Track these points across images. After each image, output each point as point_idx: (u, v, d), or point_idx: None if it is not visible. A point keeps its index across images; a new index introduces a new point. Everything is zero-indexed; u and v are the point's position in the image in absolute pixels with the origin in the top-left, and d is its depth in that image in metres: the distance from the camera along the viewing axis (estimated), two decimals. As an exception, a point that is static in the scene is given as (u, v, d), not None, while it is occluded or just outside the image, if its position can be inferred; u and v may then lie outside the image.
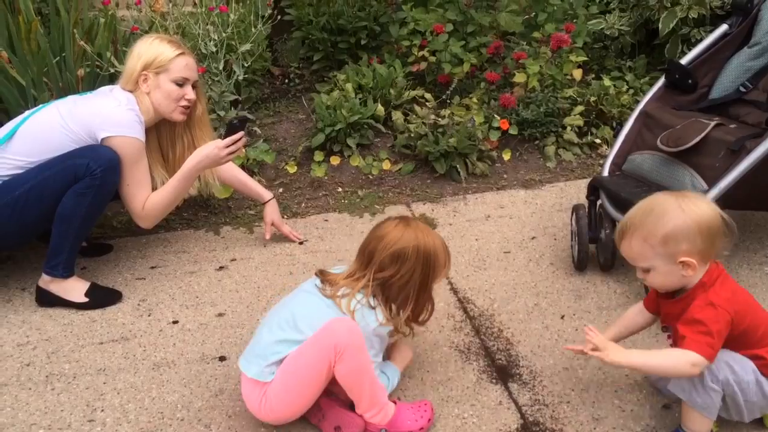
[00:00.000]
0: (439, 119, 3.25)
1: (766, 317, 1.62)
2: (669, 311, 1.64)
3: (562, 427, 1.76)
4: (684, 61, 2.50)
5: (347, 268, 1.83)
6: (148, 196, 2.33)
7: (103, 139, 2.23)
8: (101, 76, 2.87)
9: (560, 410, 1.81)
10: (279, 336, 1.71)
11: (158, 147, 2.53)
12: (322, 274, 1.82)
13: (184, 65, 2.35)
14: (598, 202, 2.40)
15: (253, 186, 2.72)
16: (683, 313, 1.56)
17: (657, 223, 1.52)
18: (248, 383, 1.73)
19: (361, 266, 1.77)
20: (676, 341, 1.57)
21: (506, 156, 3.33)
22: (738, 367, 1.55)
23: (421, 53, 3.65)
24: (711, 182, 2.09)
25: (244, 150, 3.12)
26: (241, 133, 2.32)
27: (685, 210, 1.51)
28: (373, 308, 1.73)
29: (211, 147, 2.31)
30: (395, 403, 1.76)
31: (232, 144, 2.30)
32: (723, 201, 2.11)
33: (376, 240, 1.76)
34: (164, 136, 2.54)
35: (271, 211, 2.69)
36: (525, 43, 3.68)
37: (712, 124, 2.18)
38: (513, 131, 3.34)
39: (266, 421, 1.75)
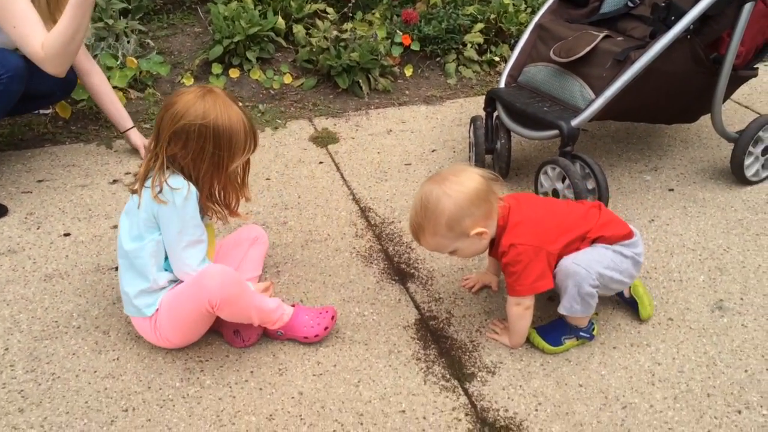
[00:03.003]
0: (342, 34, 3.20)
1: (564, 210, 1.75)
2: (496, 255, 1.75)
3: (455, 319, 1.86)
4: (578, -25, 2.57)
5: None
6: (44, 35, 2.10)
7: None
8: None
9: (455, 305, 1.91)
10: (133, 288, 1.65)
11: None
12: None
13: None
14: (495, 114, 2.47)
15: (118, 108, 2.56)
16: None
17: (435, 216, 1.60)
18: (136, 321, 1.71)
19: (154, 140, 1.60)
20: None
21: (408, 72, 3.34)
22: (596, 254, 1.68)
23: (322, -35, 3.55)
24: (598, 91, 2.19)
25: (135, 61, 2.96)
26: None
27: (451, 194, 1.59)
28: (175, 189, 1.57)
29: None
30: (294, 306, 1.76)
31: None
32: (608, 111, 2.24)
33: (164, 109, 1.58)
34: None
35: (138, 137, 2.60)
36: (427, -42, 3.64)
37: (601, 36, 2.27)
38: (415, 47, 3.35)
39: (167, 347, 1.72)
